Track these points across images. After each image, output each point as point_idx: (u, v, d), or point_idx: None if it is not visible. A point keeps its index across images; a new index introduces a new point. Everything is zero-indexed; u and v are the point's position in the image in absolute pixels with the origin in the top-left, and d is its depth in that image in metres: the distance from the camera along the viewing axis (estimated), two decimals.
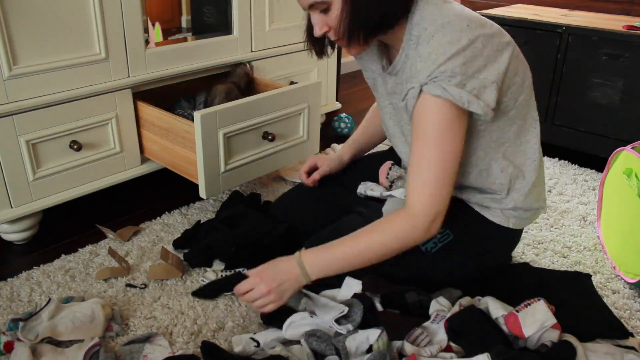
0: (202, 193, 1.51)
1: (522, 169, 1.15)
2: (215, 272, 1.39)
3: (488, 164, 1.13)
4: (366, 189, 1.35)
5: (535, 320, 1.06)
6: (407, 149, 1.21)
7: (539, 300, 1.09)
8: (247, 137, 1.56)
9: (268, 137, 1.59)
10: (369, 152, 1.51)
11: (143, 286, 1.34)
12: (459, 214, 1.21)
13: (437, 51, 0.97)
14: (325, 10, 1.03)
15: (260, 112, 1.55)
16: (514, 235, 1.27)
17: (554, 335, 1.06)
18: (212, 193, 1.53)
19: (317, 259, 1.08)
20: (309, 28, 1.16)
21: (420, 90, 1.00)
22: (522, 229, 1.29)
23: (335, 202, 1.42)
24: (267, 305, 1.07)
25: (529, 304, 1.09)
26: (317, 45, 1.19)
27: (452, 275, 1.23)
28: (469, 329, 1.07)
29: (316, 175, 1.42)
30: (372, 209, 1.27)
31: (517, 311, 1.08)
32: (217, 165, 1.50)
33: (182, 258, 1.43)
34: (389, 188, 1.33)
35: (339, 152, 1.47)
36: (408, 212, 1.04)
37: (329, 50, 1.21)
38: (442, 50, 0.96)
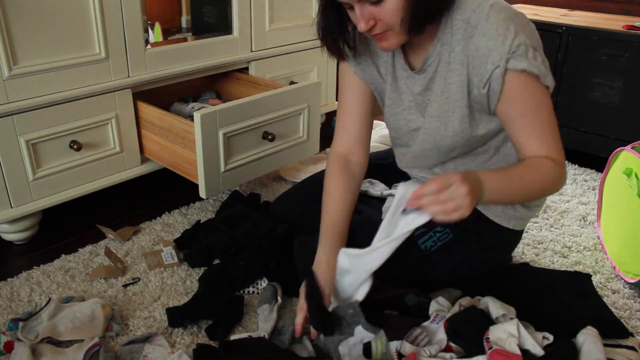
0: (202, 193, 1.51)
1: None
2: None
3: (510, 149, 1.15)
4: (367, 187, 1.35)
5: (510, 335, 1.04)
6: (427, 143, 1.15)
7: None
8: (247, 137, 1.56)
9: (268, 137, 1.59)
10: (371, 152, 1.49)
11: (137, 280, 1.34)
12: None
13: (502, 26, 0.96)
14: (378, 2, 0.95)
15: (260, 112, 1.55)
16: (513, 236, 1.28)
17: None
18: (212, 193, 1.53)
19: (494, 181, 1.00)
20: (327, 28, 1.07)
21: (505, 70, 0.97)
22: (522, 231, 1.29)
23: None
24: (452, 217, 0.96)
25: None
26: (335, 45, 1.11)
27: (451, 275, 1.23)
28: (468, 330, 1.07)
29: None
30: (372, 208, 1.27)
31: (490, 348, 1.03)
32: (217, 165, 1.50)
33: (181, 257, 1.43)
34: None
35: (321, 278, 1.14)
36: (553, 162, 1.02)
37: (347, 50, 1.13)
38: (505, 25, 0.96)
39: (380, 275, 1.19)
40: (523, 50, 0.96)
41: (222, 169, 1.52)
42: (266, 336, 1.12)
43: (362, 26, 0.97)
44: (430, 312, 1.14)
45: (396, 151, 1.28)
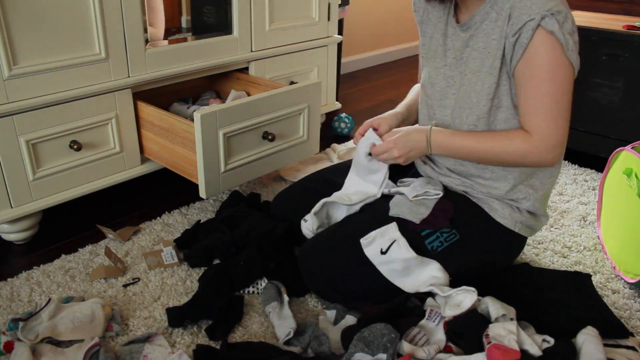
0: (202, 193, 1.51)
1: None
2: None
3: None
4: None
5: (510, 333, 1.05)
6: (454, 105, 1.21)
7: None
8: (247, 137, 1.56)
9: (268, 137, 1.59)
10: None
11: (136, 280, 1.34)
12: (468, 215, 1.22)
13: None
14: None
15: (260, 112, 1.55)
16: (518, 241, 1.29)
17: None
18: (212, 193, 1.53)
19: (443, 141, 1.18)
20: None
21: (538, 25, 1.03)
22: (526, 238, 1.30)
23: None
24: (394, 162, 1.23)
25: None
26: None
27: (454, 276, 1.23)
28: (469, 331, 1.07)
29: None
30: (378, 206, 1.27)
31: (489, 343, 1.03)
32: (217, 165, 1.50)
33: (181, 257, 1.43)
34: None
35: (394, 111, 1.36)
36: (528, 136, 1.11)
37: None
38: None
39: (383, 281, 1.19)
40: (561, 17, 1.03)
41: (222, 169, 1.52)
42: (292, 333, 1.13)
43: None
44: (425, 307, 1.15)
45: (423, 115, 1.32)
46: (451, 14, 1.21)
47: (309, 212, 1.37)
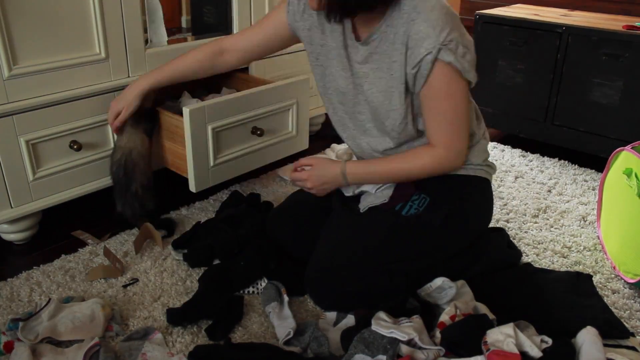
0: (192, 187, 1.52)
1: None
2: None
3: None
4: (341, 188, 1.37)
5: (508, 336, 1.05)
6: (357, 109, 1.27)
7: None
8: (236, 131, 1.56)
9: (257, 132, 1.60)
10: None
11: (135, 280, 1.35)
12: (429, 180, 1.27)
13: (442, 19, 1.09)
14: None
15: (249, 107, 1.56)
16: (483, 185, 1.32)
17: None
18: (202, 187, 1.53)
19: (357, 172, 1.28)
20: None
21: (436, 59, 1.10)
22: (490, 182, 1.34)
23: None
24: (310, 192, 1.33)
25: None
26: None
27: (444, 236, 1.26)
28: (466, 340, 1.06)
29: (118, 123, 1.47)
30: (353, 216, 1.30)
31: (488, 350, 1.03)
32: (207, 159, 1.51)
33: (181, 258, 1.43)
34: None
35: (136, 87, 1.45)
36: (433, 150, 1.20)
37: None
38: (445, 20, 1.09)
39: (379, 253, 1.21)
40: (454, 45, 1.09)
41: (212, 163, 1.52)
42: (292, 333, 1.13)
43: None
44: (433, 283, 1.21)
45: (339, 121, 1.36)
46: (348, 29, 1.21)
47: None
